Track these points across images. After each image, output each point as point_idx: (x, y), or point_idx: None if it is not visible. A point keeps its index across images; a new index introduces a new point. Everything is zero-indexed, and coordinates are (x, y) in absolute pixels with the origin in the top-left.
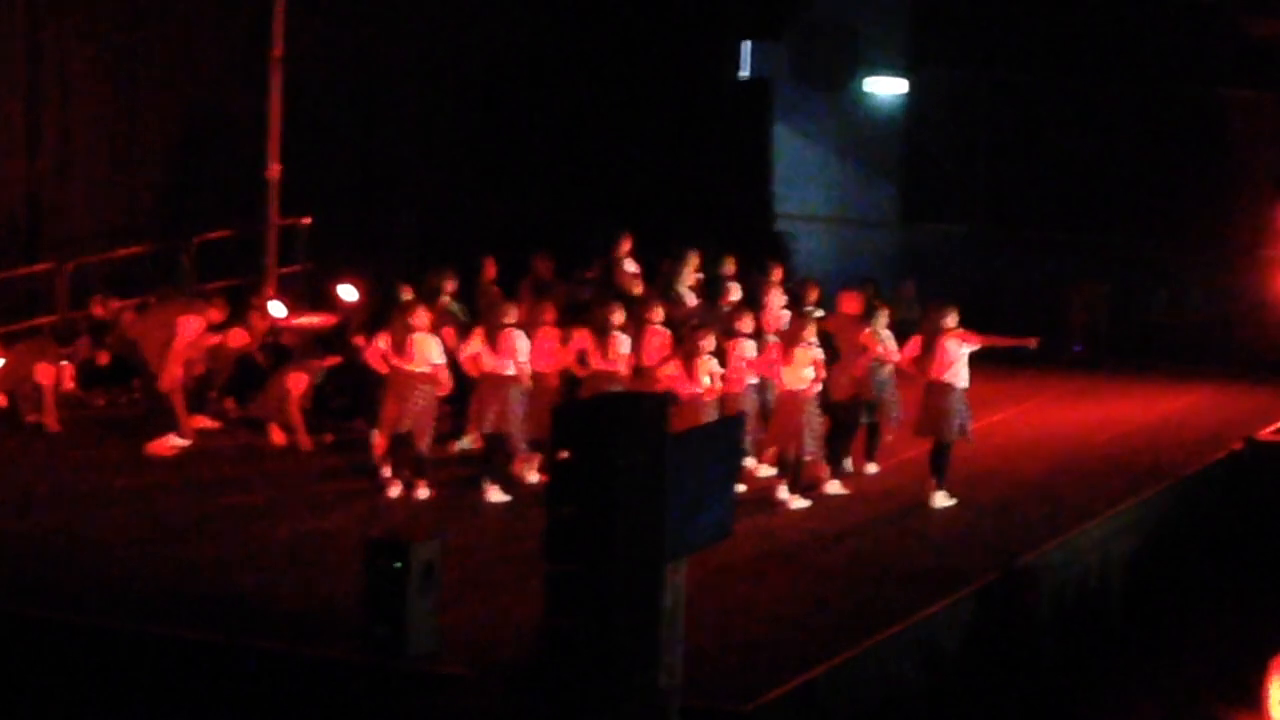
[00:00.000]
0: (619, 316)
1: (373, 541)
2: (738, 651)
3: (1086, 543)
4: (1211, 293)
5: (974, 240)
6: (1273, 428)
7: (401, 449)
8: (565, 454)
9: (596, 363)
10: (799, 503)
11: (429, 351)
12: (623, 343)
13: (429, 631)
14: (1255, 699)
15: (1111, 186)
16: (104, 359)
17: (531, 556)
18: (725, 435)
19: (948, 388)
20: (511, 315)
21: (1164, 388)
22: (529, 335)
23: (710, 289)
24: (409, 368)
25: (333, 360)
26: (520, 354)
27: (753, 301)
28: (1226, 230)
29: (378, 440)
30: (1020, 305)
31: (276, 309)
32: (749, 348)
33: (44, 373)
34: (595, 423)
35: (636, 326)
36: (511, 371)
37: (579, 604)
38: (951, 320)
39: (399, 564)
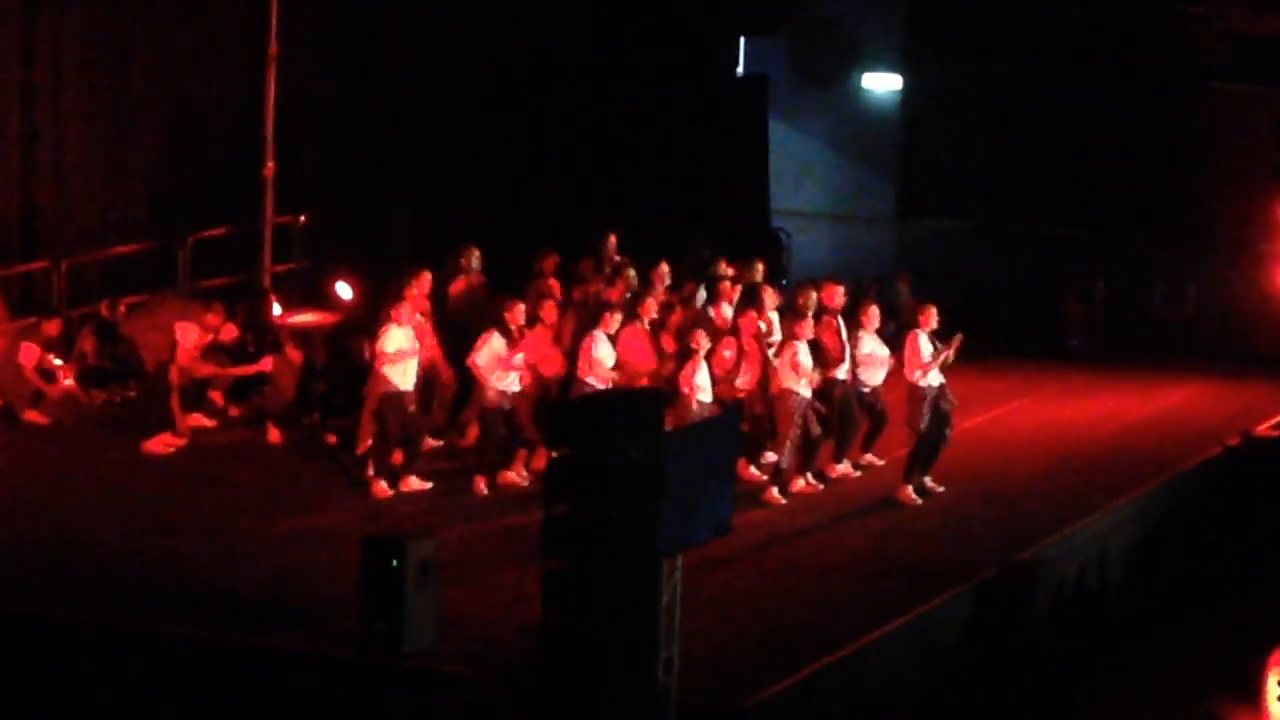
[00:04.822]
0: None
1: (369, 539)
2: (736, 648)
3: (1084, 538)
4: (1208, 287)
5: (970, 235)
6: (1270, 423)
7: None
8: (561, 451)
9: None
10: (778, 498)
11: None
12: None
13: (426, 629)
14: (1253, 693)
15: (1107, 181)
16: (107, 359)
17: (528, 553)
18: (722, 431)
19: (909, 384)
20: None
21: (1161, 383)
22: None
23: (707, 290)
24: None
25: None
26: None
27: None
28: (1223, 225)
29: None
30: (1017, 300)
31: (273, 307)
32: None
33: (27, 353)
34: (591, 420)
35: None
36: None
37: (576, 601)
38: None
39: (395, 562)
